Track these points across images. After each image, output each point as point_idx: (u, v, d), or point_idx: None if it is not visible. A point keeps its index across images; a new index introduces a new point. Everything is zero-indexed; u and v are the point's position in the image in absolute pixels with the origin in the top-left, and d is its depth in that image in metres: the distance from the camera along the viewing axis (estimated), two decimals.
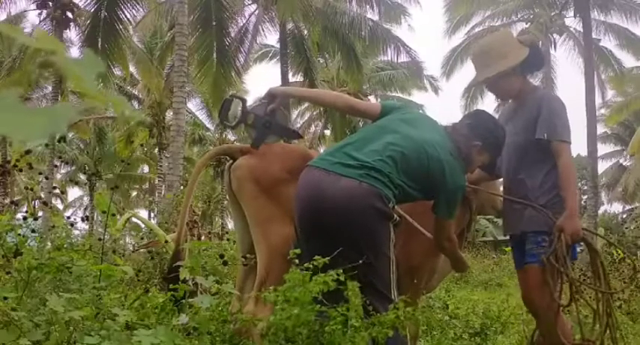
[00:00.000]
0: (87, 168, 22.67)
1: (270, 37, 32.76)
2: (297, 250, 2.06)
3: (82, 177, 25.38)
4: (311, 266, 1.96)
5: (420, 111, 2.72)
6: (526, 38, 2.83)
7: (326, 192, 2.21)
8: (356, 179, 2.20)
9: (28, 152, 3.64)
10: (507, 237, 3.00)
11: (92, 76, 0.48)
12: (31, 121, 0.42)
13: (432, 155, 2.33)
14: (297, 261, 2.02)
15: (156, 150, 23.59)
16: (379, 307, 2.16)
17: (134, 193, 32.10)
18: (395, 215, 2.30)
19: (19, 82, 16.06)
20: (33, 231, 2.73)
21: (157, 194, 22.51)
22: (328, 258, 2.00)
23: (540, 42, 18.90)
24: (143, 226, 6.02)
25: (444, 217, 2.48)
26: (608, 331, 2.72)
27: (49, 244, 3.23)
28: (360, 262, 2.14)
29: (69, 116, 0.44)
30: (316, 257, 1.98)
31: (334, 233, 2.22)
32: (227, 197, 2.98)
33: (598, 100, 19.65)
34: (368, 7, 16.64)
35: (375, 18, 16.84)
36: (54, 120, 0.43)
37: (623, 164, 29.38)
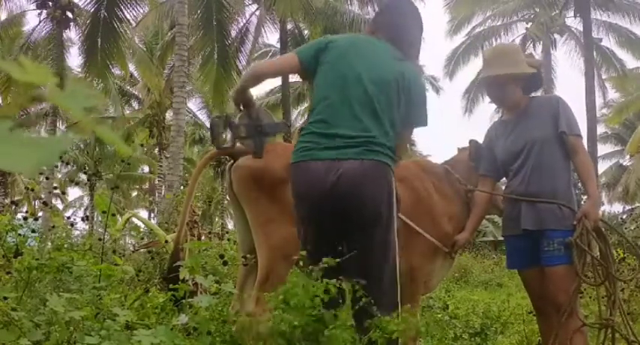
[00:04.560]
0: (87, 168, 22.65)
1: (271, 36, 32.77)
2: (304, 253, 2.03)
3: (82, 177, 25.37)
4: (316, 269, 1.91)
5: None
6: (533, 61, 2.99)
7: (330, 181, 2.13)
8: (355, 159, 2.13)
9: None
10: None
11: (82, 108, 0.47)
12: (24, 153, 0.41)
13: (394, 76, 2.24)
14: (301, 263, 1.98)
15: (156, 150, 23.60)
16: (380, 297, 2.11)
17: (134, 193, 32.09)
18: (396, 191, 2.25)
19: (18, 85, 16.05)
20: (33, 231, 2.74)
21: (157, 194, 22.52)
22: (338, 260, 1.96)
23: (541, 42, 18.92)
24: (143, 226, 6.02)
25: (425, 124, 2.39)
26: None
27: (49, 244, 3.24)
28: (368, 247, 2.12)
29: (62, 148, 0.43)
30: (325, 259, 1.94)
31: (348, 220, 2.15)
32: (227, 197, 2.97)
33: (599, 101, 19.67)
34: (370, 9, 16.64)
35: None
36: (47, 152, 0.42)
37: (623, 164, 29.35)
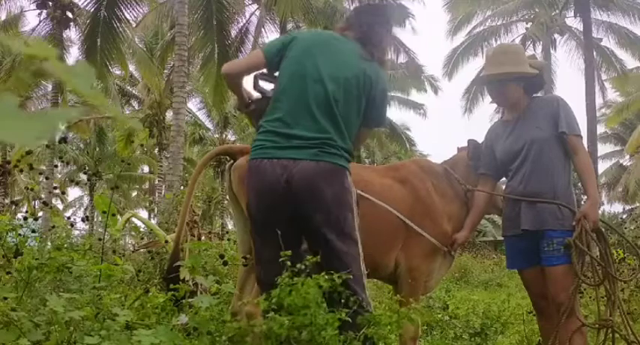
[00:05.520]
0: (87, 168, 22.67)
1: (271, 36, 32.74)
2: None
3: (82, 177, 25.40)
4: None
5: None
6: (536, 62, 3.00)
7: (284, 181, 2.10)
8: (311, 160, 2.11)
9: (28, 153, 3.64)
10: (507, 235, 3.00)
11: (84, 83, 0.48)
12: (27, 127, 0.42)
13: (355, 75, 2.22)
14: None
15: (156, 150, 23.60)
16: (356, 288, 2.06)
17: (134, 193, 32.11)
18: (355, 192, 2.22)
19: (18, 83, 16.06)
20: (33, 231, 2.74)
21: (157, 194, 22.52)
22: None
23: (541, 42, 18.93)
24: (143, 226, 6.02)
25: (383, 124, 2.40)
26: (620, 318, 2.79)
27: (49, 244, 3.24)
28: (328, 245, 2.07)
29: (64, 121, 0.44)
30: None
31: (301, 221, 2.13)
32: (227, 197, 2.95)
33: (599, 101, 19.66)
34: None
35: None
36: (49, 125, 0.42)
37: (623, 164, 29.37)
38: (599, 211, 3.62)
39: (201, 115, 25.65)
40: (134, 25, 15.37)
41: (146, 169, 29.27)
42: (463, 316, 4.69)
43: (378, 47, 2.34)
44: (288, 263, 1.86)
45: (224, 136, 25.79)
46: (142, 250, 5.36)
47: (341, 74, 2.21)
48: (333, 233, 2.12)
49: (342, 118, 2.19)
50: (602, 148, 28.90)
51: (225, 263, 3.91)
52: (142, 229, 6.14)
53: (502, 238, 3.09)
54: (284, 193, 2.10)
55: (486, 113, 74.82)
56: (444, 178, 3.06)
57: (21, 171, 3.22)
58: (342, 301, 1.88)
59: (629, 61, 21.00)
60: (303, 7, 14.92)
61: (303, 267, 1.85)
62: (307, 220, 2.12)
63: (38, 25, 17.26)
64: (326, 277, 1.83)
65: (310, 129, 2.15)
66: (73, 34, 17.34)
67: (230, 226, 17.54)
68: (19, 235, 2.49)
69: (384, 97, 2.32)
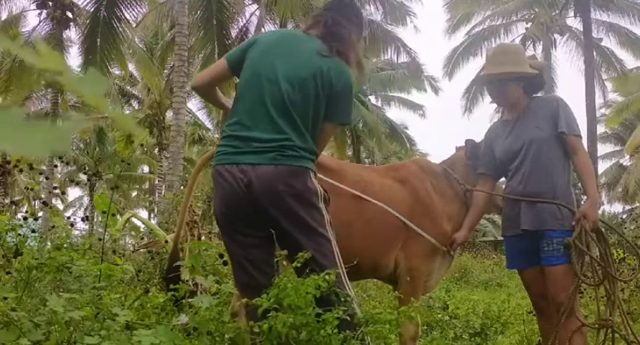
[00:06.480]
0: (87, 168, 22.69)
1: None
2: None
3: (82, 177, 25.39)
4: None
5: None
6: (536, 62, 3.00)
7: (244, 186, 2.09)
8: (269, 165, 2.08)
9: None
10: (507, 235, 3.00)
11: (96, 92, 0.47)
12: (33, 138, 0.41)
13: (312, 73, 2.17)
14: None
15: (156, 150, 23.59)
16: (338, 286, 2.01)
17: (134, 193, 32.11)
18: (323, 190, 2.18)
19: (19, 84, 16.06)
20: (33, 231, 2.74)
21: (157, 194, 22.52)
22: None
23: (541, 42, 18.93)
24: (143, 226, 6.02)
25: (347, 121, 2.34)
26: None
27: (49, 244, 3.24)
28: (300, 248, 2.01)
29: (72, 133, 0.43)
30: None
31: (267, 226, 2.10)
32: None
33: (599, 101, 19.66)
34: (372, 7, 16.62)
35: (379, 19, 16.85)
36: (56, 137, 0.42)
37: (623, 164, 29.37)
38: (599, 211, 3.62)
39: (201, 115, 25.64)
40: (134, 25, 15.37)
41: (146, 169, 29.27)
42: (463, 316, 4.69)
43: (342, 41, 2.27)
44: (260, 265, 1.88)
45: None
46: (142, 250, 5.36)
47: (296, 74, 2.17)
48: (303, 235, 2.10)
49: (300, 118, 2.15)
50: (602, 148, 28.94)
51: (225, 263, 3.90)
52: (142, 229, 6.14)
53: (502, 238, 3.09)
54: (245, 198, 2.09)
55: (486, 113, 74.85)
56: (443, 178, 3.07)
57: (21, 171, 3.22)
58: (328, 299, 1.87)
59: (629, 61, 21.03)
60: (303, 7, 14.91)
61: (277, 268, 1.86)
62: (275, 226, 2.10)
63: (38, 25, 17.28)
64: (325, 277, 1.83)
65: (268, 131, 2.12)
66: (72, 34, 17.36)
67: None
68: (19, 235, 2.49)
69: (347, 93, 2.25)
